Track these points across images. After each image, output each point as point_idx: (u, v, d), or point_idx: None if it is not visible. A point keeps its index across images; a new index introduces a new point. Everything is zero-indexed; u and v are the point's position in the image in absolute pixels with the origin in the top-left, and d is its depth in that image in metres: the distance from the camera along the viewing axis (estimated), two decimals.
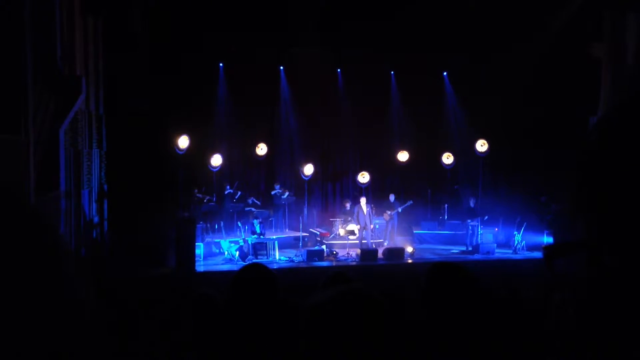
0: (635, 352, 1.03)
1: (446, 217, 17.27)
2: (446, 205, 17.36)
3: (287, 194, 16.76)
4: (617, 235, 1.01)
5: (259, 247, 14.09)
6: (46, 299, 0.90)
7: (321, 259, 13.93)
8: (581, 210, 1.09)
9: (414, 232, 16.70)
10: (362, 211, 15.13)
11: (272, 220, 16.66)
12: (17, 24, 8.69)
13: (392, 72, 18.34)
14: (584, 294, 1.14)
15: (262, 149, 17.16)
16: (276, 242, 14.60)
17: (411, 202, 16.14)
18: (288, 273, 12.64)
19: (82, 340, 0.93)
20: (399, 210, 16.06)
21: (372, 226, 15.47)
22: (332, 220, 16.64)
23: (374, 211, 15.66)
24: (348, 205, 16.24)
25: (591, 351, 1.15)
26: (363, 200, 15.32)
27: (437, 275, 2.32)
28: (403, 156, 17.89)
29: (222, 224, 15.57)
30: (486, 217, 15.65)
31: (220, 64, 17.04)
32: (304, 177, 17.03)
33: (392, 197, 16.37)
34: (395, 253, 14.11)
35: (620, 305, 1.04)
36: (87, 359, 0.93)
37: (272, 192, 16.74)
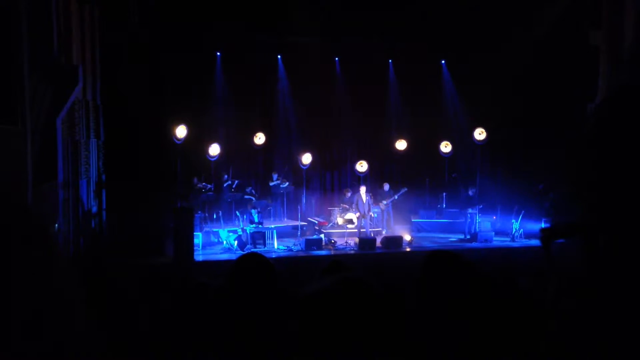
0: (631, 335, 1.03)
1: (444, 205, 17.29)
2: (444, 194, 17.37)
3: (287, 183, 16.77)
4: (614, 217, 1.02)
5: (258, 237, 14.11)
6: (36, 295, 0.90)
7: (320, 247, 13.96)
8: (580, 193, 1.10)
9: (412, 220, 16.74)
10: (362, 200, 15.16)
11: (270, 210, 16.66)
12: (13, 13, 8.64)
13: (390, 61, 18.27)
14: (581, 277, 1.14)
15: (260, 138, 17.12)
16: (275, 231, 14.63)
17: (405, 189, 16.16)
18: (286, 262, 12.67)
19: (72, 336, 0.93)
20: (395, 197, 16.08)
21: (371, 214, 15.51)
22: (331, 209, 16.65)
23: (372, 200, 15.69)
24: (348, 193, 16.23)
25: (588, 336, 1.15)
26: (363, 189, 15.34)
27: (434, 263, 2.33)
28: (401, 145, 17.87)
29: (220, 213, 15.58)
30: (481, 206, 15.67)
31: (218, 53, 16.97)
32: (302, 166, 17.01)
33: (386, 187, 16.39)
34: (394, 241, 14.15)
35: (616, 286, 1.04)
36: (78, 354, 0.93)
37: (271, 184, 16.71)
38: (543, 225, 14.77)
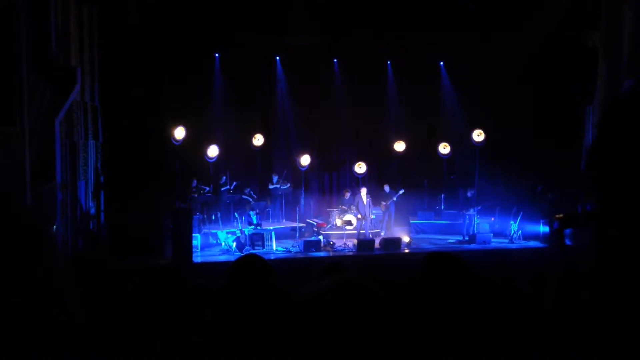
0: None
1: (443, 207, 17.29)
2: (443, 195, 17.37)
3: (287, 184, 16.78)
4: (626, 212, 1.02)
5: (256, 238, 14.10)
6: (35, 295, 0.90)
7: (318, 249, 13.94)
8: (594, 186, 1.10)
9: (411, 222, 16.73)
10: (362, 201, 15.18)
11: (269, 211, 16.66)
12: (12, 15, 8.64)
13: (388, 62, 18.28)
14: (590, 269, 1.14)
15: (258, 140, 17.10)
16: (273, 232, 14.61)
17: (402, 190, 16.18)
18: (285, 263, 12.66)
19: (70, 336, 0.93)
20: (394, 199, 16.10)
21: (371, 216, 15.52)
22: (329, 211, 16.64)
23: (372, 202, 15.68)
24: (348, 194, 16.20)
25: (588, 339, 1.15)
26: (364, 191, 15.35)
27: (432, 264, 2.33)
28: (400, 146, 17.86)
29: (219, 215, 15.57)
30: (480, 207, 15.67)
31: (216, 55, 16.96)
32: (300, 167, 17.01)
33: (387, 188, 16.39)
34: (392, 243, 14.14)
35: (624, 283, 1.04)
36: (76, 354, 0.93)
37: (270, 186, 16.71)
38: (541, 228, 14.75)
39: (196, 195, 15.14)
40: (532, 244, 14.69)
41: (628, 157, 1.02)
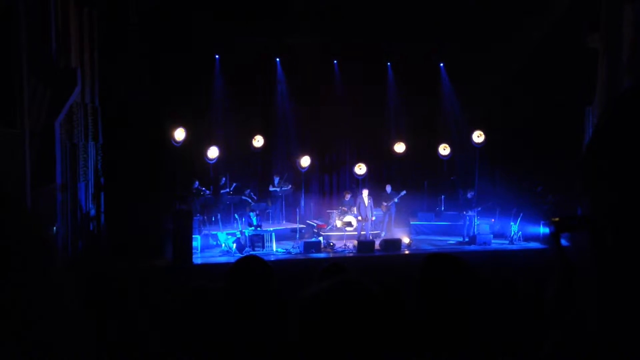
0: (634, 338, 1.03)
1: (443, 208, 17.27)
2: (443, 197, 17.36)
3: (289, 186, 16.77)
4: (623, 215, 1.02)
5: (256, 239, 14.09)
6: (33, 298, 0.90)
7: (318, 250, 13.95)
8: (589, 188, 1.10)
9: (411, 223, 16.72)
10: (364, 203, 15.17)
11: (269, 212, 16.66)
12: (12, 16, 8.64)
13: (388, 64, 18.28)
14: (588, 272, 1.14)
15: (258, 141, 17.09)
16: (273, 234, 14.61)
17: (404, 192, 16.20)
18: (285, 265, 12.66)
19: (69, 338, 0.93)
20: (396, 200, 16.10)
21: (373, 218, 15.52)
22: (329, 212, 16.64)
23: (373, 203, 15.69)
24: (348, 196, 16.19)
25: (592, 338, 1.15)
26: (365, 192, 15.35)
27: (432, 266, 2.33)
28: (400, 147, 17.85)
29: (219, 216, 15.57)
30: (480, 208, 15.66)
31: (217, 56, 16.97)
32: (300, 169, 17.01)
33: (388, 188, 16.38)
34: (392, 244, 14.14)
35: (621, 286, 1.04)
36: (73, 351, 0.93)
37: (271, 188, 16.71)
38: (541, 229, 14.74)
39: (196, 197, 15.14)
40: (533, 245, 14.68)
41: (627, 158, 1.03)
